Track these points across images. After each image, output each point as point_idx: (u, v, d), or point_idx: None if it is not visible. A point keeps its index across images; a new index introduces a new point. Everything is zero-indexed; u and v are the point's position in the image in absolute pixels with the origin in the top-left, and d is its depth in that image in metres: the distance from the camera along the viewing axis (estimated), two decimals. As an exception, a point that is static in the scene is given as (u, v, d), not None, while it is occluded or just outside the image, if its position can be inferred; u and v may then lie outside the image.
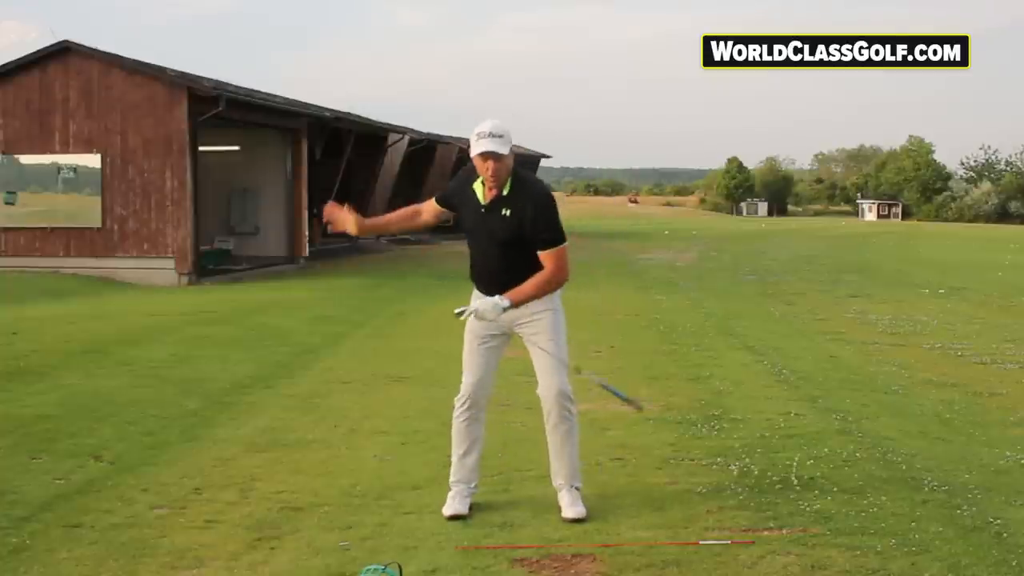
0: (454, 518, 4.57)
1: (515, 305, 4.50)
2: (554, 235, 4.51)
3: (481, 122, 4.48)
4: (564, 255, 4.54)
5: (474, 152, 4.47)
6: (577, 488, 4.67)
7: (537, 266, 4.53)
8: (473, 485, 4.77)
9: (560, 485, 4.68)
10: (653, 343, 10.49)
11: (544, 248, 4.51)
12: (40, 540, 4.40)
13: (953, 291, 17.52)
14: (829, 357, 9.74)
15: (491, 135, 4.42)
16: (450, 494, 4.72)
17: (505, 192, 4.54)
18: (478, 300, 4.60)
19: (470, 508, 4.66)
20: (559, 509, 4.62)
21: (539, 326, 4.65)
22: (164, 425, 6.74)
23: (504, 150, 4.44)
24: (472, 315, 4.55)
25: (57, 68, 21.31)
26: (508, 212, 4.52)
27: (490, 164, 4.46)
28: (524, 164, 4.74)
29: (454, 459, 4.79)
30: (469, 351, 4.76)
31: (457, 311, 4.59)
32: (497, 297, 4.50)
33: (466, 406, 4.76)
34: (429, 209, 4.91)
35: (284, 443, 6.20)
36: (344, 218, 4.90)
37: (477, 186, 4.61)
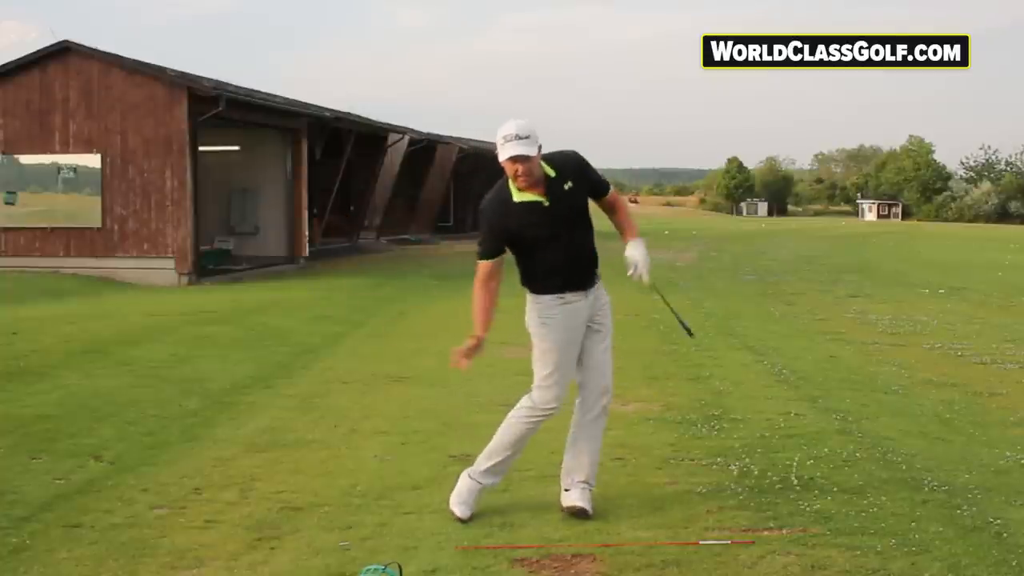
0: (460, 521, 4.53)
1: None
2: (605, 179, 4.73)
3: (505, 124, 4.40)
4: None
5: (502, 157, 4.40)
6: (591, 488, 4.66)
7: (592, 235, 4.66)
8: (499, 480, 4.75)
9: (578, 483, 4.62)
10: (653, 343, 10.48)
11: (607, 192, 4.69)
12: (40, 540, 4.40)
13: (953, 291, 17.51)
14: (829, 357, 9.74)
15: (517, 137, 4.36)
16: (468, 488, 4.62)
17: (553, 175, 4.50)
18: (633, 253, 4.59)
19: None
20: (559, 508, 4.61)
21: (606, 317, 4.68)
22: (164, 425, 6.75)
23: (532, 151, 4.38)
24: (644, 273, 4.60)
25: (57, 68, 21.32)
26: (570, 184, 4.52)
27: (519, 167, 4.40)
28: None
29: (498, 457, 4.65)
30: (561, 353, 4.55)
31: (639, 278, 4.62)
32: (632, 244, 4.61)
33: (547, 414, 4.60)
34: (491, 273, 4.57)
35: (284, 443, 6.20)
36: (473, 348, 4.57)
37: (522, 195, 4.48)
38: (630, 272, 4.62)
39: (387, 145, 31.14)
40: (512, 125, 4.39)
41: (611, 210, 4.74)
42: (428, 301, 16.18)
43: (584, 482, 4.64)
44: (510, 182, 4.49)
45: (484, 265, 4.58)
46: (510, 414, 4.70)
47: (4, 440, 6.24)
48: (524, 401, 4.66)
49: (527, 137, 4.38)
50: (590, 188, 4.62)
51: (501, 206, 4.52)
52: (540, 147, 4.43)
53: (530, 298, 4.64)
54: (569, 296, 4.56)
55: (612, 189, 4.73)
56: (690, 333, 4.99)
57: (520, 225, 4.50)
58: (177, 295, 18.23)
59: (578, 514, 4.54)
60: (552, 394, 4.57)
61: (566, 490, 4.66)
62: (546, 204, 4.48)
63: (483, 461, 4.70)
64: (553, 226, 4.49)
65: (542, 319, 4.58)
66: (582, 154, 4.70)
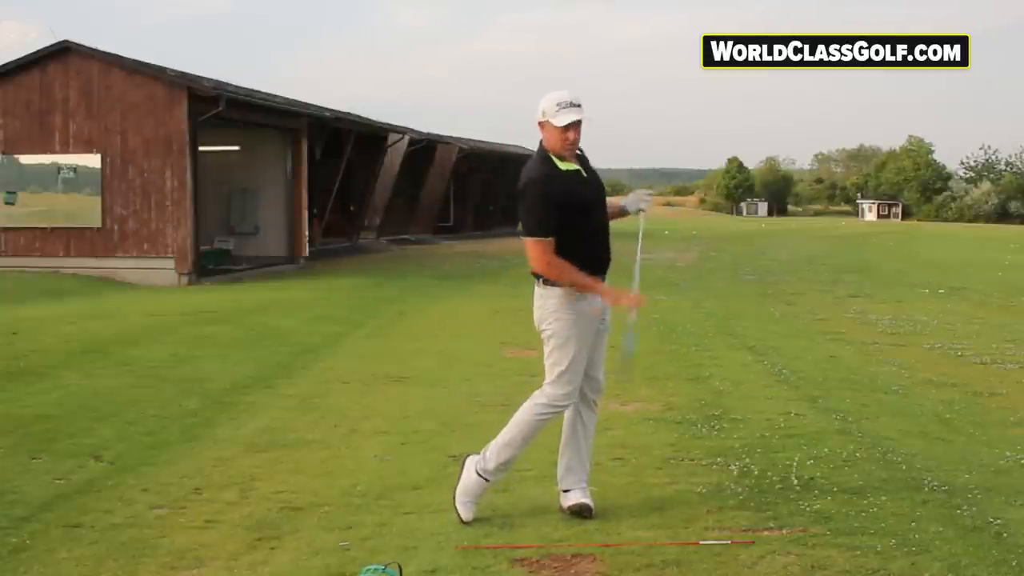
0: (462, 521, 4.51)
1: None
2: None
3: (557, 92, 4.43)
4: None
5: (561, 122, 4.37)
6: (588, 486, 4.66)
7: None
8: (502, 477, 4.71)
9: (577, 484, 4.60)
10: (653, 343, 10.47)
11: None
12: (40, 540, 4.40)
13: (953, 291, 17.52)
14: (829, 357, 9.74)
15: (572, 104, 4.39)
16: (478, 485, 4.55)
17: (579, 152, 4.58)
18: (634, 199, 4.80)
19: None
20: (559, 509, 4.61)
21: (609, 314, 4.68)
22: (164, 425, 6.75)
23: (585, 116, 4.46)
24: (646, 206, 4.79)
25: (57, 68, 21.31)
26: (591, 167, 4.62)
27: (574, 134, 4.42)
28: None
29: (509, 454, 4.56)
30: (580, 347, 4.48)
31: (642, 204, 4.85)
32: (636, 193, 4.80)
33: (563, 409, 4.57)
34: (554, 249, 4.42)
35: (284, 443, 6.20)
36: (619, 293, 4.65)
37: (567, 164, 4.47)
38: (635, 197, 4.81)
39: (387, 145, 31.13)
40: (566, 93, 4.42)
41: None
42: (428, 301, 16.17)
43: (584, 483, 4.63)
44: (550, 155, 4.47)
45: (548, 243, 4.38)
46: (521, 411, 4.57)
47: (4, 440, 6.24)
48: (538, 397, 4.54)
49: (580, 105, 4.42)
50: None
51: (550, 175, 4.45)
52: None
53: (548, 291, 4.49)
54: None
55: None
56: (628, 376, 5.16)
57: (572, 191, 4.45)
58: (177, 295, 18.22)
59: (583, 512, 4.52)
60: (570, 389, 4.50)
61: (566, 491, 4.62)
62: (585, 175, 4.55)
63: (494, 458, 4.57)
64: (594, 197, 4.56)
65: (565, 311, 4.46)
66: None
